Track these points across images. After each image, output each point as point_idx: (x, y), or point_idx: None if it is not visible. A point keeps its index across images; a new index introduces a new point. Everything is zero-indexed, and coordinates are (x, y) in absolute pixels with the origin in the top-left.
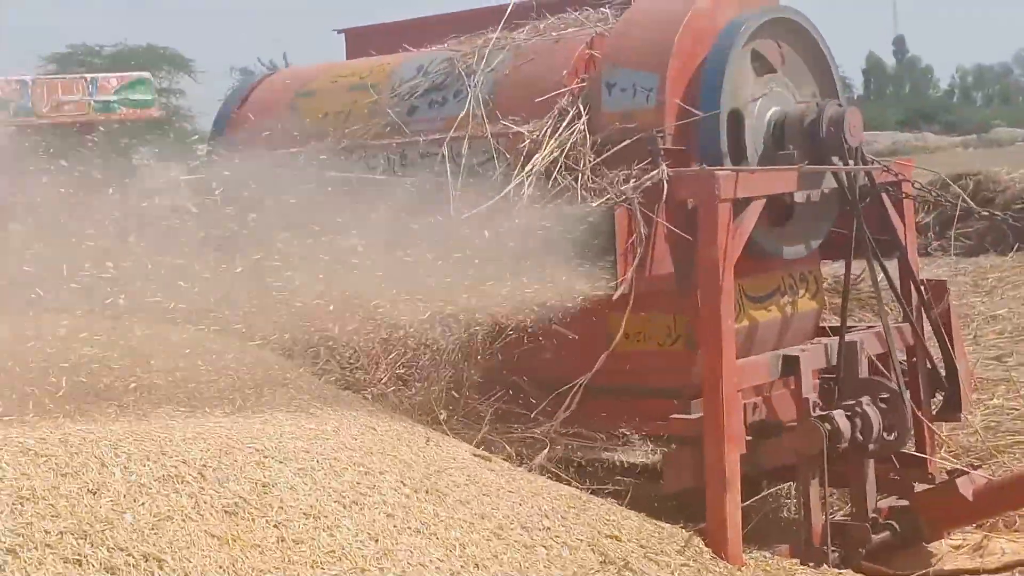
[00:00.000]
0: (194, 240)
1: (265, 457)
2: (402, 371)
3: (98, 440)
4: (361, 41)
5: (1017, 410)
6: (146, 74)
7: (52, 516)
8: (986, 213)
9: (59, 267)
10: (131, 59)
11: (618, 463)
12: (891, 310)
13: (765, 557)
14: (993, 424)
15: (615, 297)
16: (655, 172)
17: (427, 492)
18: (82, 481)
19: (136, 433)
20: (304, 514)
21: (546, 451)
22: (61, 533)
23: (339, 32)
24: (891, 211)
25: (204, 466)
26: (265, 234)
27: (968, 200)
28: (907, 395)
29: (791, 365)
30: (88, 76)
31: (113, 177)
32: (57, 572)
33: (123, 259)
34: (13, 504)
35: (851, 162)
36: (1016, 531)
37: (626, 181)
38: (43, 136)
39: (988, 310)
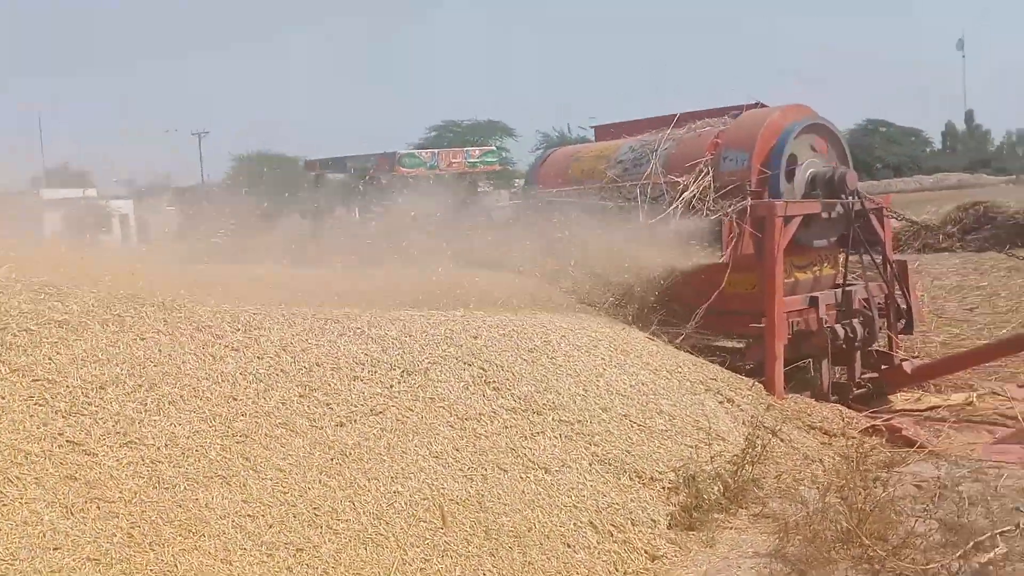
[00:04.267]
0: (509, 227)
1: (547, 330)
2: (615, 299)
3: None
4: (602, 132)
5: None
6: (493, 148)
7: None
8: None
9: (432, 241)
10: (479, 130)
11: (719, 346)
12: (874, 277)
13: (795, 397)
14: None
15: (723, 262)
16: (744, 202)
17: (623, 351)
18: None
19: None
20: (582, 350)
21: (681, 338)
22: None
23: (592, 127)
24: (875, 223)
25: (521, 333)
26: (548, 226)
27: (910, 219)
28: (878, 318)
29: (815, 301)
30: (465, 149)
31: (470, 197)
32: None
33: (472, 236)
34: None
35: (847, 198)
36: (938, 392)
37: (730, 206)
38: (442, 180)
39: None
